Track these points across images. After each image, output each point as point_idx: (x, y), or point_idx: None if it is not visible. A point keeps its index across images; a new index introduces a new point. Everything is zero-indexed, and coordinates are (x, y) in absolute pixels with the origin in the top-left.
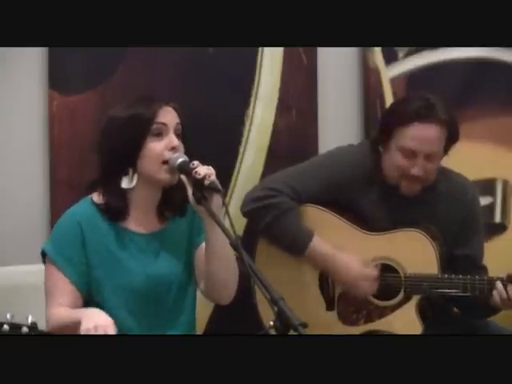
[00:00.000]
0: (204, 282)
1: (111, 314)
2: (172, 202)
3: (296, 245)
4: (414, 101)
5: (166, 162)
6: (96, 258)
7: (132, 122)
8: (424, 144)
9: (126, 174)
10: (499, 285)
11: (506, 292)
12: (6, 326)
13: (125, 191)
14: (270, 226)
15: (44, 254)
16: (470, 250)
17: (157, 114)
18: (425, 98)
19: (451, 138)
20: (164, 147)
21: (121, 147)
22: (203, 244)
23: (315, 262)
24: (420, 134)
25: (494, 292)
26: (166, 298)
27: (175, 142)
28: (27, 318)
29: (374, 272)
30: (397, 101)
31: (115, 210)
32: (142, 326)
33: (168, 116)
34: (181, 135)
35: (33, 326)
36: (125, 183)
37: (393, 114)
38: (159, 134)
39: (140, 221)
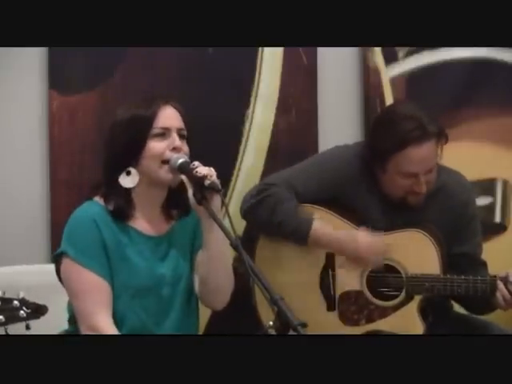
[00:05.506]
0: (199, 286)
1: (117, 311)
2: (177, 201)
3: (298, 232)
4: (402, 123)
5: (166, 162)
6: (111, 255)
7: (132, 125)
8: (422, 164)
9: (128, 173)
10: (500, 285)
11: (509, 291)
12: None
13: (128, 191)
14: (269, 217)
15: (57, 259)
16: (468, 248)
17: (157, 117)
18: (411, 115)
19: (443, 142)
20: (166, 147)
21: (122, 149)
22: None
23: (320, 245)
24: (417, 157)
25: (497, 293)
26: (173, 298)
27: (177, 142)
28: (18, 294)
29: (382, 243)
30: (383, 123)
31: (119, 209)
32: (148, 325)
33: (170, 120)
34: (185, 137)
35: (23, 300)
36: (127, 182)
37: (384, 141)
38: (161, 135)
39: (147, 221)
